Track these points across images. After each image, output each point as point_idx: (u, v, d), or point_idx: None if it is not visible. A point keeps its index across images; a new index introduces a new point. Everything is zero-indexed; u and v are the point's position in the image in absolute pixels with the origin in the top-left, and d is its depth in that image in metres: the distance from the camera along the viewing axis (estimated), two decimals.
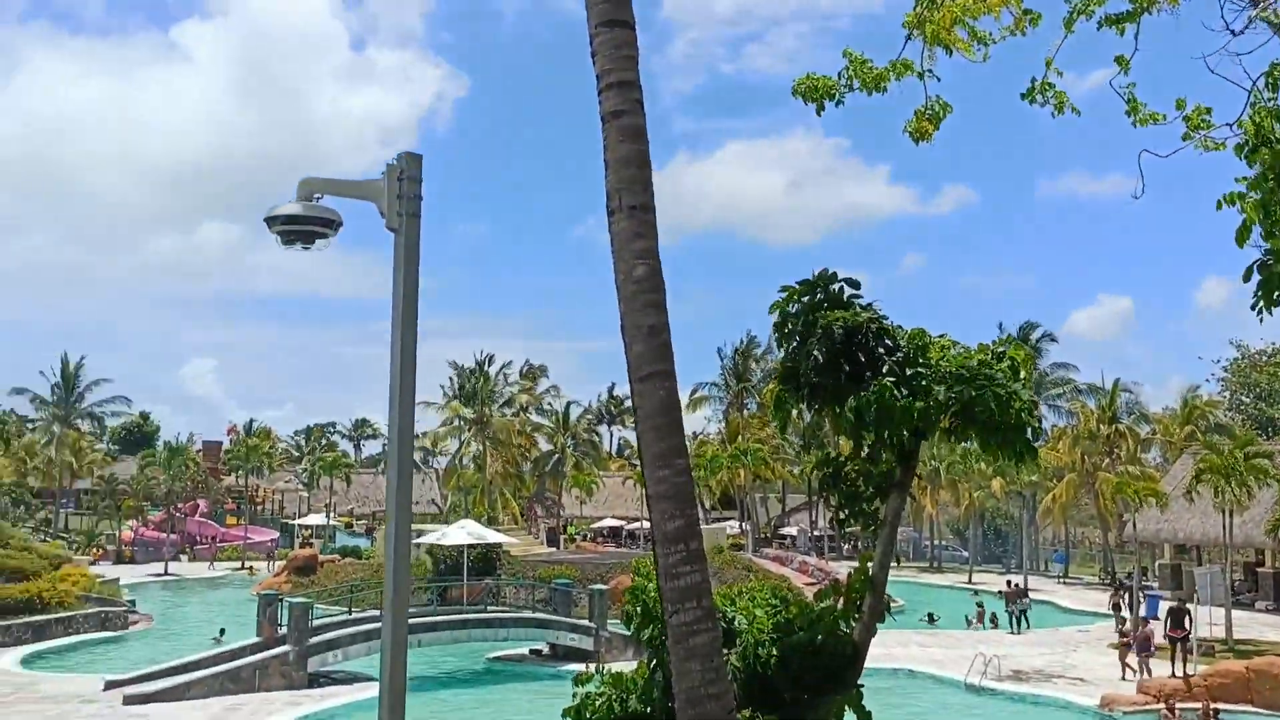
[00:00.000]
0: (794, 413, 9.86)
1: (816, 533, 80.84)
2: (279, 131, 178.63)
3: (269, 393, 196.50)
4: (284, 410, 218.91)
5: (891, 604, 31.87)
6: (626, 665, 28.18)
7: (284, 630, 27.65)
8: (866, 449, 9.47)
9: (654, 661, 9.49)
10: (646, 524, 62.18)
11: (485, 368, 78.69)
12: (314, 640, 26.77)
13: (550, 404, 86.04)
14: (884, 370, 9.20)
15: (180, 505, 68.88)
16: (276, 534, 73.95)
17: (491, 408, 76.40)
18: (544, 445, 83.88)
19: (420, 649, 29.79)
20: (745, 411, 77.10)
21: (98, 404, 75.34)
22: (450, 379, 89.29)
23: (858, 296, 9.52)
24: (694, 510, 7.15)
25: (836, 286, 9.47)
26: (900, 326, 9.62)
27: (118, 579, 46.26)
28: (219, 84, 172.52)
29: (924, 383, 9.22)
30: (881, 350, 9.28)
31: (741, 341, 78.45)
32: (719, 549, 47.41)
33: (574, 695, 10.07)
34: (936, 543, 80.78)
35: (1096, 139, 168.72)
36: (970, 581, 58.09)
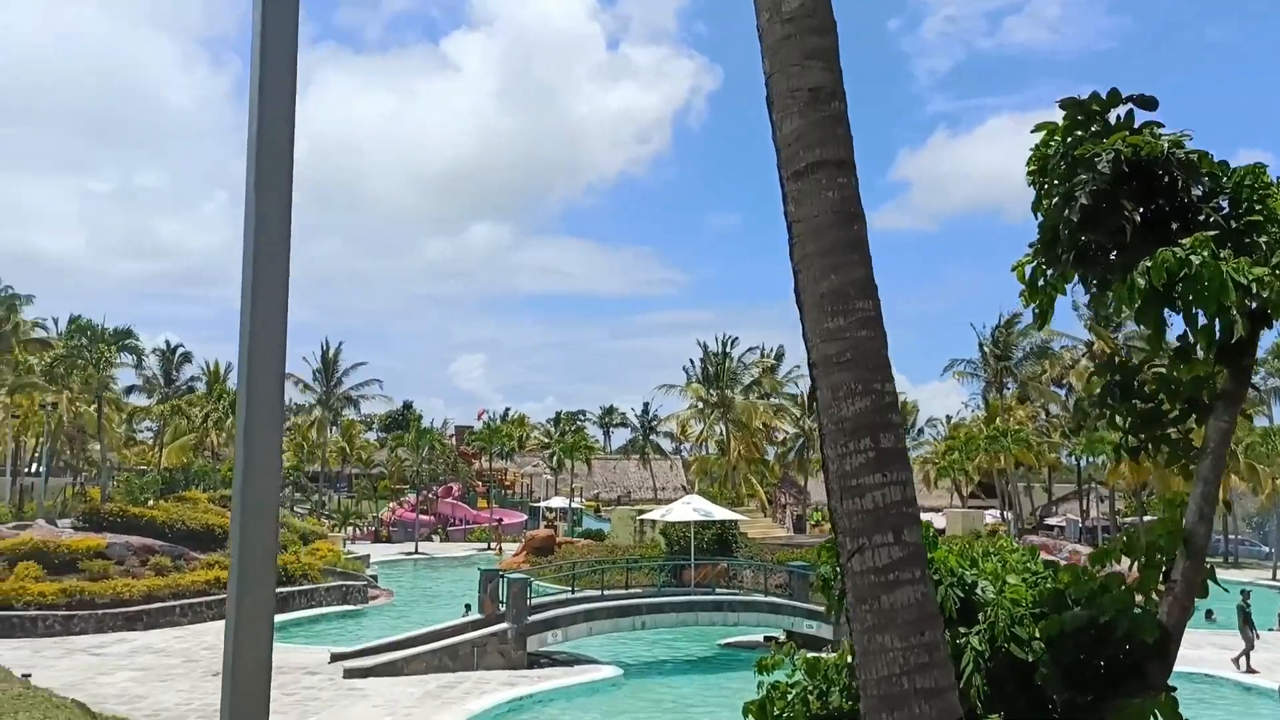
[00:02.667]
0: (1057, 296, 6.84)
1: (1089, 523, 73.96)
2: (540, 133, 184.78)
3: (531, 386, 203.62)
4: (544, 403, 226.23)
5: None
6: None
7: (504, 608, 26.51)
8: (1176, 344, 6.44)
9: None
10: None
11: (728, 349, 76.61)
12: (533, 619, 25.43)
13: (796, 386, 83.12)
14: (1201, 220, 6.17)
15: (434, 488, 70.96)
16: (525, 516, 74.96)
17: (734, 390, 74.41)
18: (789, 429, 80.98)
19: (647, 630, 28.05)
20: (1006, 392, 71.25)
21: (354, 388, 78.90)
22: (690, 362, 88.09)
23: (1156, 125, 6.46)
24: (887, 384, 4.48)
25: (1121, 111, 6.46)
26: (1224, 162, 6.51)
27: (366, 555, 47.42)
28: (485, 91, 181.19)
29: (1264, 239, 6.14)
30: (1197, 193, 6.22)
31: (1001, 316, 72.62)
32: (975, 534, 43.27)
33: (758, 686, 7.61)
34: (1231, 536, 71.99)
35: None
36: (1275, 578, 50.98)
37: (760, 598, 28.29)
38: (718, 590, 29.03)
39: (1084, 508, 75.22)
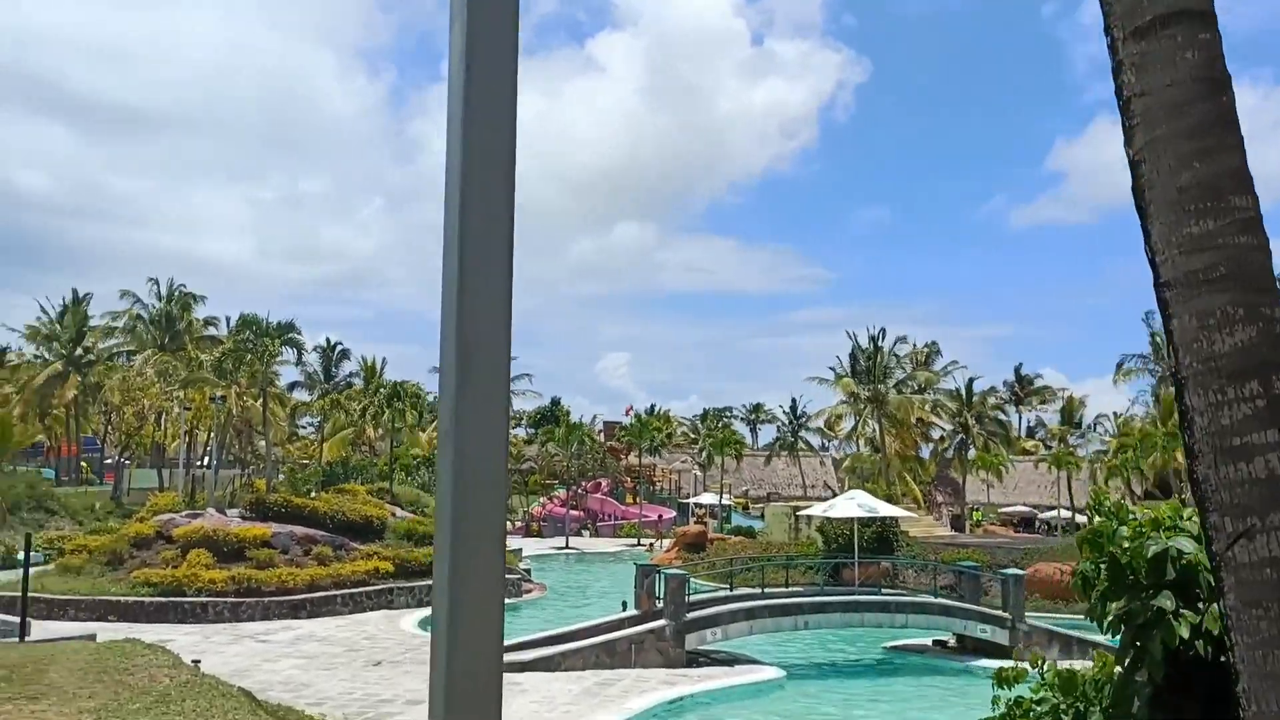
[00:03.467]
0: None
1: None
2: (685, 131, 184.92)
3: (675, 384, 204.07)
4: (688, 401, 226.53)
5: None
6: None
7: (661, 604, 25.78)
8: None
9: (1134, 654, 5.71)
10: (1063, 512, 55.20)
11: (879, 342, 74.28)
12: (692, 615, 24.61)
13: (952, 382, 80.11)
14: None
15: (583, 483, 71.11)
16: (674, 513, 74.44)
17: (887, 384, 72.12)
18: (944, 426, 78.09)
19: (808, 631, 26.90)
20: None
21: None
22: (838, 359, 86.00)
23: None
24: (1275, 308, 3.32)
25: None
26: None
27: (519, 549, 47.54)
28: (630, 90, 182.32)
29: None
30: None
31: None
32: None
33: (994, 701, 6.51)
34: None
35: None
36: None
37: (930, 599, 26.79)
38: (884, 590, 27.64)
39: None
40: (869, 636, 29.01)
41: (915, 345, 77.92)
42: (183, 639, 26.17)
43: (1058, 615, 30.20)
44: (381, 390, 60.72)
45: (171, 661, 14.43)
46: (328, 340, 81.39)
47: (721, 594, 27.12)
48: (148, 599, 29.81)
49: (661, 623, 24.42)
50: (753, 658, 25.37)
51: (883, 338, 73.55)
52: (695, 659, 24.60)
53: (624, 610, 28.49)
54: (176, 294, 71.53)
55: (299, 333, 39.01)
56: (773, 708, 21.95)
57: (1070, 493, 72.97)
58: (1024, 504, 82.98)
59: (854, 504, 27.81)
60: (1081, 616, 24.20)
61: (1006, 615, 26.15)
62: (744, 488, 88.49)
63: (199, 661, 18.20)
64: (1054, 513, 79.46)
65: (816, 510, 30.99)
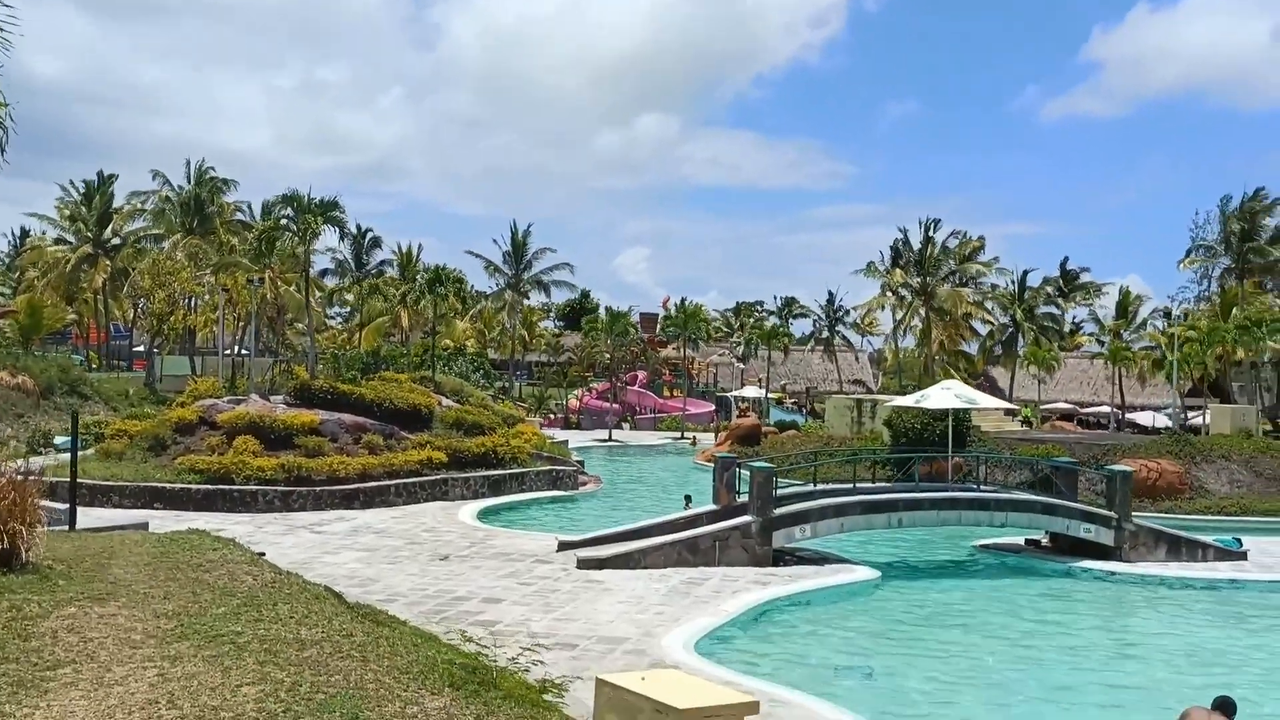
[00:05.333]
0: None
1: None
2: (711, 19, 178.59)
3: (695, 280, 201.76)
4: (708, 296, 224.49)
5: None
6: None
7: (742, 499, 24.13)
8: None
9: None
10: (1105, 408, 53.35)
11: (930, 233, 71.67)
12: (780, 512, 22.93)
13: (997, 277, 77.47)
14: None
15: (621, 375, 69.58)
16: (713, 406, 72.99)
17: (936, 276, 69.80)
18: (994, 319, 75.85)
19: (898, 530, 25.25)
20: (1249, 279, 64.22)
21: (544, 271, 77.56)
22: (880, 253, 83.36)
23: None
24: None
25: None
26: None
27: (565, 441, 46.15)
28: None
29: None
30: None
31: (1244, 193, 65.14)
32: (1247, 433, 38.57)
33: None
34: None
35: None
36: None
37: (1032, 496, 25.00)
38: (983, 487, 25.87)
39: None
40: (954, 535, 27.45)
41: (967, 236, 75.18)
42: (234, 529, 24.73)
43: (1149, 514, 28.52)
44: (421, 275, 58.72)
45: (249, 557, 12.77)
46: (358, 226, 79.02)
47: (804, 489, 25.42)
48: (194, 486, 28.43)
49: (747, 519, 22.76)
50: (841, 556, 23.79)
51: (935, 229, 71.05)
52: (781, 557, 23.03)
53: (687, 505, 26.91)
54: (205, 177, 69.25)
55: (342, 211, 36.77)
56: (872, 609, 20.41)
57: (1121, 389, 70.97)
58: (1065, 400, 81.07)
59: (950, 394, 25.82)
60: (1190, 516, 22.39)
61: (1112, 514, 24.40)
62: (782, 382, 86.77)
63: (262, 554, 16.67)
64: (1099, 409, 77.61)
65: (908, 400, 29.03)
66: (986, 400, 27.15)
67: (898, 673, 16.17)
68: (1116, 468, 25.64)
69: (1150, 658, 17.57)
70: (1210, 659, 17.46)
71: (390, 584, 19.76)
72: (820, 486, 25.52)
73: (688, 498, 29.27)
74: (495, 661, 8.64)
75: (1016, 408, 40.74)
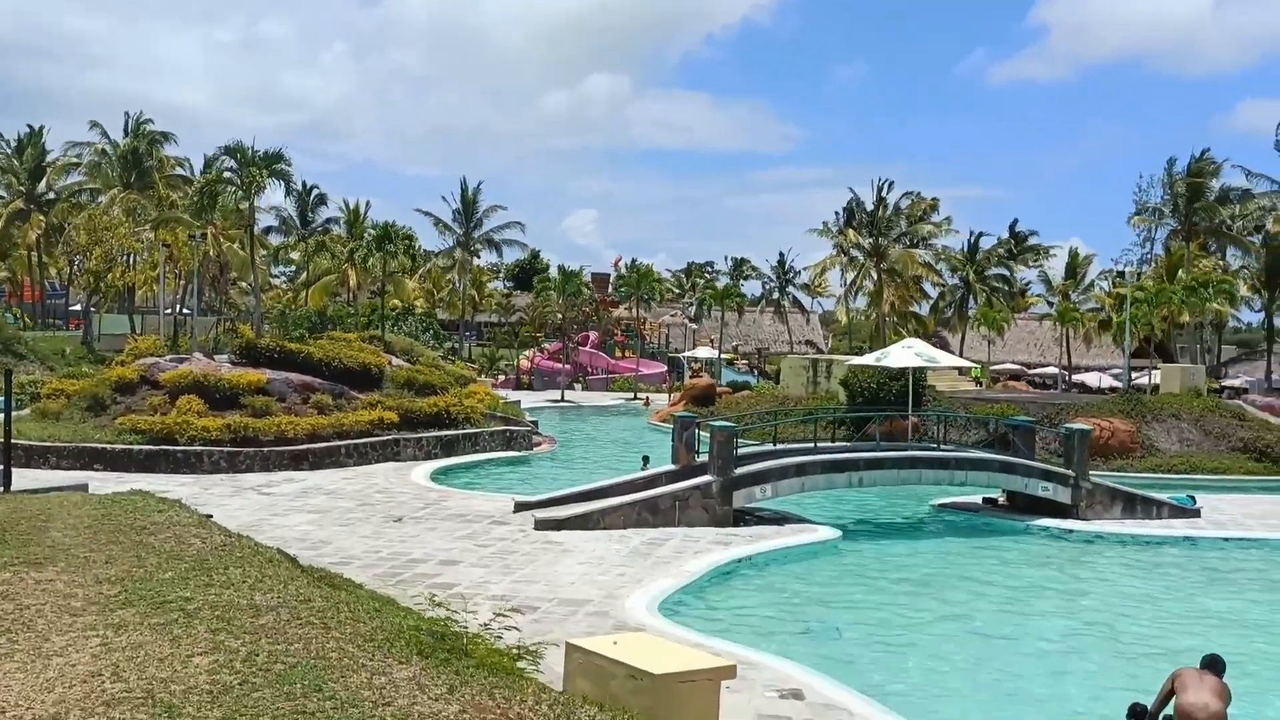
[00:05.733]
0: None
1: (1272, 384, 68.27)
2: None
3: (645, 242, 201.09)
4: (657, 258, 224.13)
5: None
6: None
7: (702, 458, 23.81)
8: None
9: None
10: (1052, 369, 53.88)
11: (884, 193, 71.51)
12: (740, 471, 22.63)
13: (956, 235, 77.55)
14: None
15: (573, 336, 68.98)
16: (665, 367, 72.70)
17: (888, 237, 69.75)
18: (945, 280, 76.13)
19: (857, 490, 25.10)
20: (1199, 238, 64.77)
21: (495, 230, 76.33)
22: (836, 213, 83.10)
23: None
24: None
25: None
26: None
27: (518, 401, 45.58)
28: None
29: None
30: None
31: (1192, 156, 65.64)
32: (1196, 392, 38.97)
33: None
34: None
35: None
36: None
37: (991, 455, 24.95)
38: (943, 446, 25.77)
39: (1269, 368, 69.25)
40: (911, 495, 27.38)
41: (920, 197, 75.04)
42: (179, 490, 23.80)
43: (1102, 473, 28.67)
44: (370, 232, 57.46)
45: (196, 520, 12.14)
46: (304, 183, 77.17)
47: (763, 448, 25.16)
48: (136, 447, 27.50)
49: (708, 478, 22.45)
50: (801, 516, 23.59)
51: (889, 189, 70.90)
52: (740, 517, 22.77)
53: (645, 466, 26.55)
54: (143, 130, 66.99)
55: (288, 163, 35.54)
56: (836, 569, 20.22)
57: (1069, 350, 71.76)
58: (1013, 361, 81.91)
59: (911, 353, 25.64)
60: (1141, 474, 22.41)
61: (1070, 473, 24.43)
62: (733, 343, 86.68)
63: (210, 517, 16.02)
64: (1046, 370, 78.51)
65: (868, 359, 28.81)
66: (947, 359, 27.08)
67: (864, 632, 15.99)
68: (1075, 426, 25.68)
69: (1110, 613, 17.56)
70: (1175, 615, 17.51)
71: (343, 546, 19.20)
72: (780, 446, 25.25)
73: (645, 458, 28.90)
74: (466, 628, 8.14)
75: (975, 365, 41.00)
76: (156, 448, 27.54)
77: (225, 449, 27.91)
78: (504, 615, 7.68)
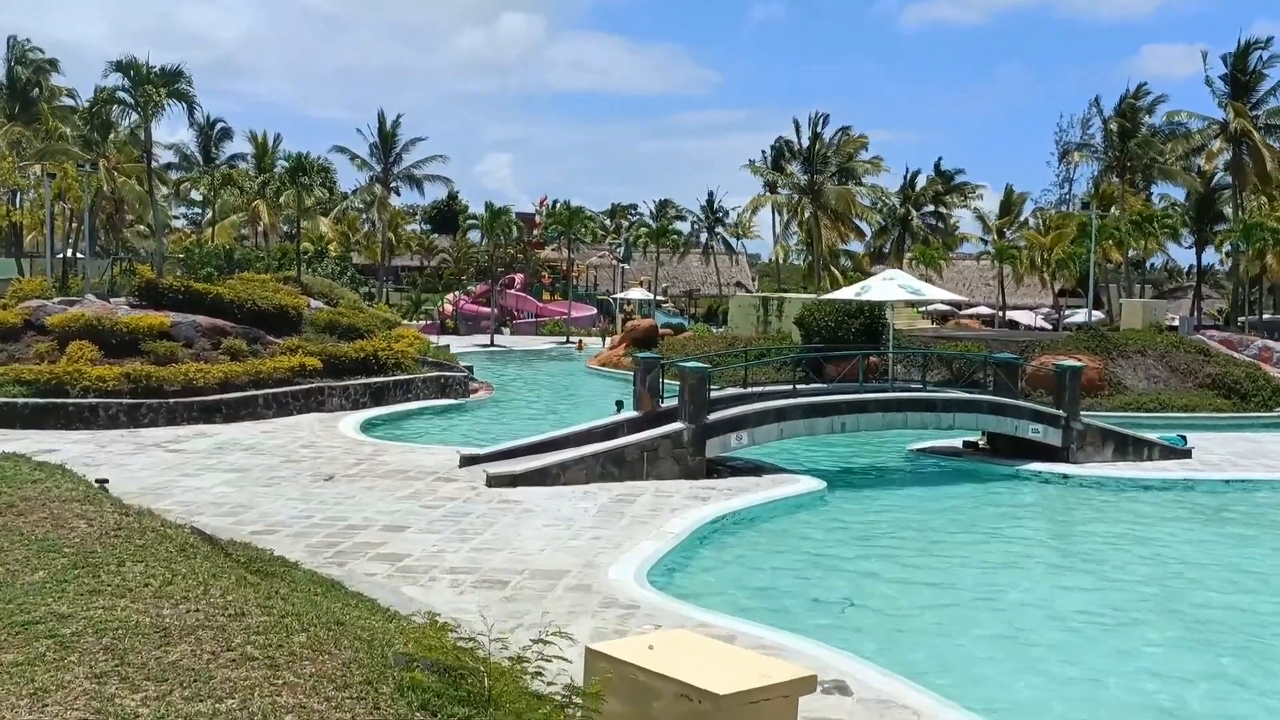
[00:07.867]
0: None
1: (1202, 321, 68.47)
2: None
3: (561, 186, 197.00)
4: (574, 203, 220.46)
5: None
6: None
7: (668, 404, 21.49)
8: None
9: None
10: (984, 308, 52.68)
11: (819, 128, 69.27)
12: (715, 418, 20.36)
13: (890, 172, 75.81)
14: None
15: (499, 278, 65.92)
16: (593, 310, 70.12)
17: (824, 174, 67.71)
18: (881, 219, 74.54)
19: (831, 435, 22.98)
20: (1127, 176, 63.98)
21: (416, 164, 72.25)
22: (763, 152, 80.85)
23: None
24: None
25: None
26: None
27: (447, 346, 42.77)
28: None
29: None
30: None
31: (1127, 89, 64.65)
32: (1158, 327, 37.84)
33: None
34: None
35: None
36: None
37: (980, 396, 23.05)
38: (929, 387, 23.79)
39: (1198, 306, 69.37)
40: (880, 439, 25.48)
41: (851, 133, 72.91)
42: (72, 448, 20.93)
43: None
44: (283, 163, 53.37)
45: (83, 491, 9.39)
46: (207, 116, 71.86)
47: (735, 392, 22.91)
48: (20, 400, 24.17)
49: (678, 426, 20.13)
50: (779, 466, 21.47)
51: (824, 124, 68.69)
52: (712, 468, 20.54)
53: (619, 411, 24.15)
54: (27, 57, 61.42)
55: (189, 83, 31.80)
56: (824, 522, 18.14)
57: (1003, 288, 70.97)
58: (942, 302, 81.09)
59: (893, 285, 23.54)
60: (1111, 412, 20.51)
61: (1061, 413, 22.68)
62: (663, 285, 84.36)
63: (105, 481, 13.24)
64: (977, 309, 77.77)
65: (849, 293, 26.65)
66: (934, 291, 25.00)
67: (872, 597, 13.94)
68: (1066, 363, 23.94)
69: (1147, 564, 15.77)
70: (1204, 563, 15.84)
71: (267, 511, 16.47)
72: (754, 390, 23.02)
73: (619, 403, 26.26)
74: (474, 642, 5.66)
75: (963, 299, 39.63)
76: (44, 400, 24.23)
77: (125, 401, 24.73)
78: (544, 641, 5.12)
